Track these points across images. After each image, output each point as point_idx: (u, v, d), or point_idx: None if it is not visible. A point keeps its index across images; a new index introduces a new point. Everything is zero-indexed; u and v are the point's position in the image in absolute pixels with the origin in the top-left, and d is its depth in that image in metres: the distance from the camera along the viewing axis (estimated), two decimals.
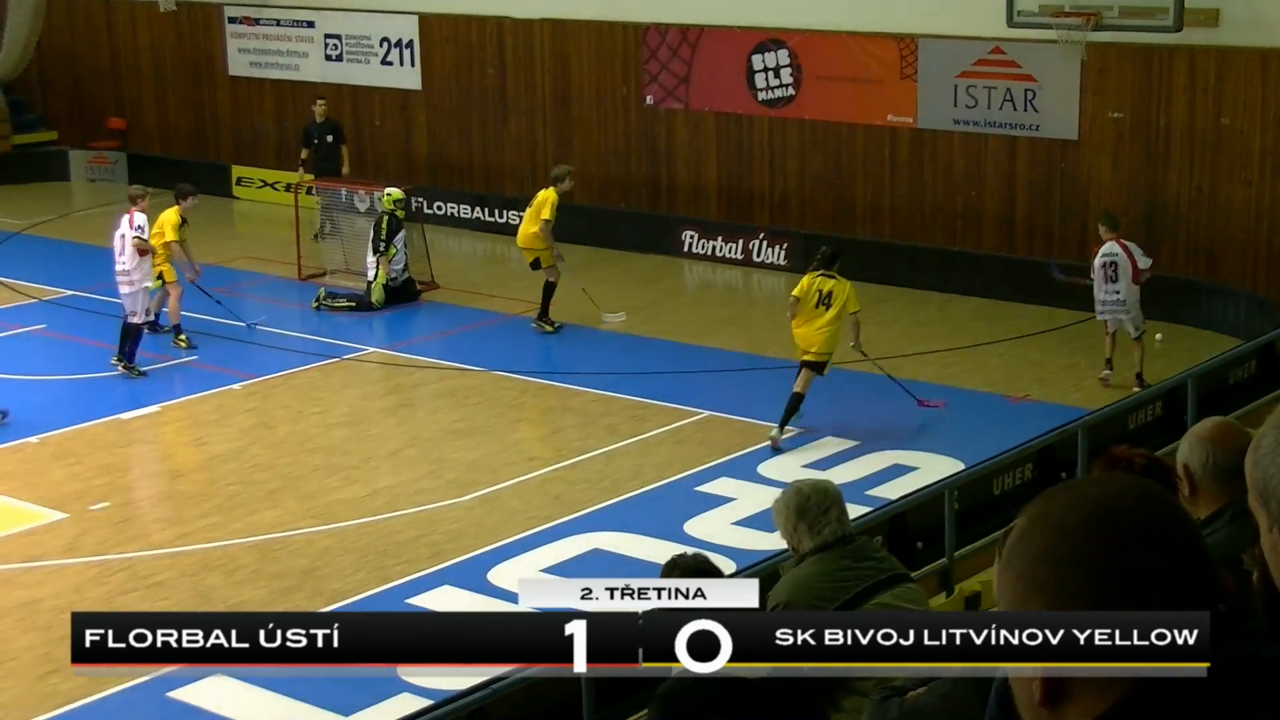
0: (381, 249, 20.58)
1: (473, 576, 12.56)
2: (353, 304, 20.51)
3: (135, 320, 17.55)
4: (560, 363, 18.24)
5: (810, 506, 6.06)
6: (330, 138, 24.37)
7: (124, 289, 17.62)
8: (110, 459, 15.71)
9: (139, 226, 17.58)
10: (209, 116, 28.54)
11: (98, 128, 29.49)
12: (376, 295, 20.49)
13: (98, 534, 13.68)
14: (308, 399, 17.19)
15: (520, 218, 24.57)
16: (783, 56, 22.39)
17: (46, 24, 28.99)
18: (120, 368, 17.57)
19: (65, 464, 15.38)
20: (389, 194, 21.01)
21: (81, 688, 10.93)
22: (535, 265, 19.45)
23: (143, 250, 17.52)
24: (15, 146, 29.73)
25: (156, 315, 18.78)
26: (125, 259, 17.55)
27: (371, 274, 20.66)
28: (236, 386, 17.57)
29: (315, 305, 20.50)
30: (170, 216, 18.49)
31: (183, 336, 18.59)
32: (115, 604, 12.21)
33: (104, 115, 29.48)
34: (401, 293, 20.79)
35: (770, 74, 22.52)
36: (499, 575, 12.58)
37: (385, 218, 20.77)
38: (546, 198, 19.37)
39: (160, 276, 18.40)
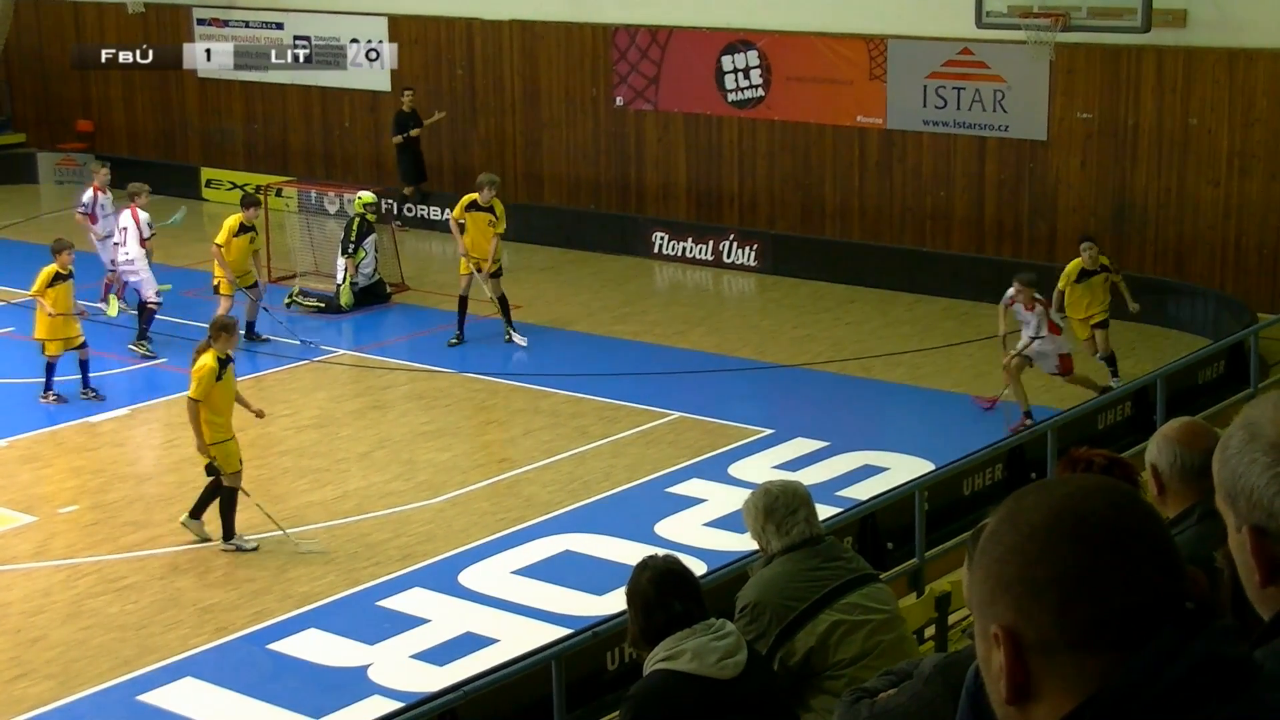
0: (350, 251, 20.60)
1: (444, 578, 12.54)
2: (322, 305, 20.53)
3: (151, 301, 18.48)
4: (531, 365, 18.23)
5: (778, 507, 6.07)
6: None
7: (132, 279, 18.68)
8: (79, 462, 15.64)
9: (149, 224, 18.72)
10: (178, 118, 28.45)
11: (66, 130, 29.36)
12: (345, 298, 20.49)
13: (67, 537, 13.62)
14: (277, 401, 17.13)
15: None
16: (752, 57, 22.42)
17: (14, 25, 28.84)
18: (140, 350, 18.31)
19: (34, 467, 15.32)
20: (360, 197, 21.04)
21: (50, 691, 10.88)
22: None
23: (148, 246, 18.66)
24: None
25: (252, 322, 18.91)
26: (129, 249, 18.56)
27: (340, 277, 20.66)
28: None
29: (288, 302, 20.54)
30: (229, 222, 18.71)
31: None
32: (85, 607, 12.17)
33: (72, 117, 29.36)
34: (371, 295, 20.78)
35: (740, 75, 22.55)
36: (470, 577, 12.57)
37: (356, 220, 20.80)
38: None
39: (216, 288, 18.66)
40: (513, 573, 12.66)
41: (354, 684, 10.96)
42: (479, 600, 12.20)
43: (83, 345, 16.73)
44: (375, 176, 25.03)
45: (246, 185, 26.21)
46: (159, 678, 11.08)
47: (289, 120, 27.21)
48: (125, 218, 18.78)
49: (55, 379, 16.75)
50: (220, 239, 18.50)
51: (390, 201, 23.80)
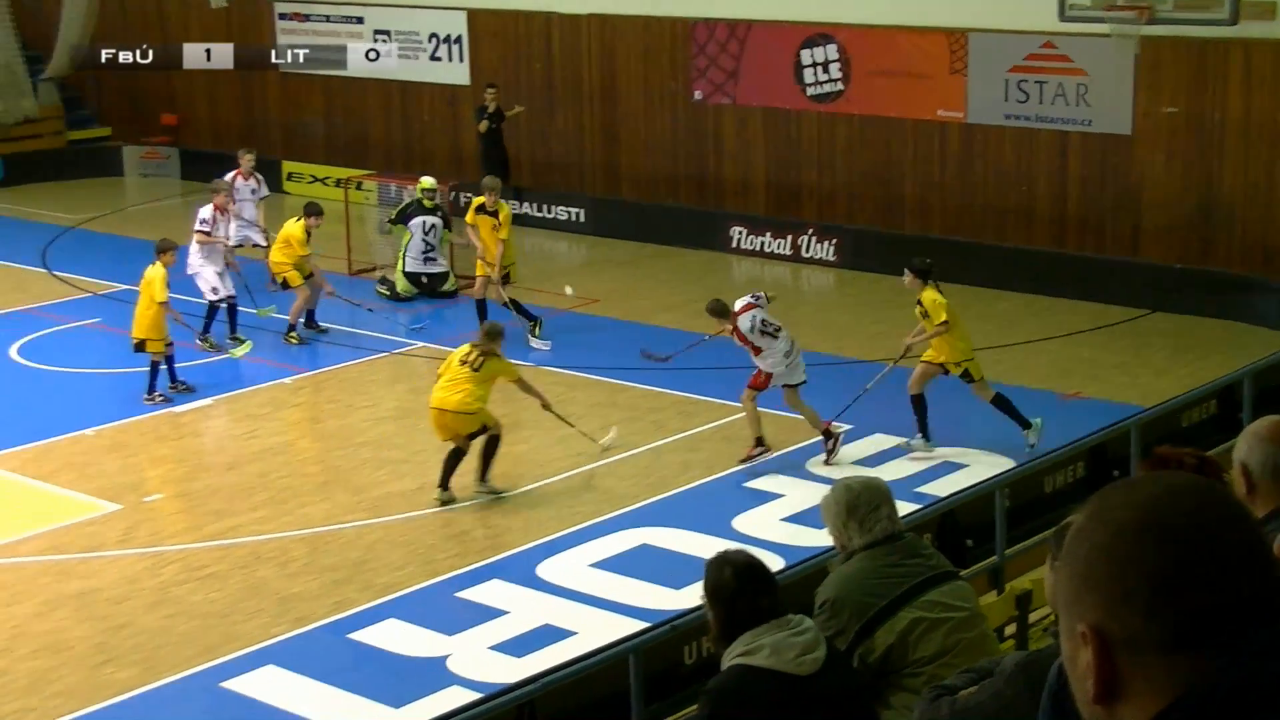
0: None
1: (522, 571, 12.59)
2: (387, 293, 20.79)
3: (210, 299, 18.57)
4: (609, 358, 18.24)
5: (860, 504, 6.05)
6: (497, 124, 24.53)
7: (190, 271, 18.70)
8: (164, 451, 15.83)
9: (202, 220, 18.79)
10: (259, 112, 28.71)
11: (150, 124, 29.70)
12: (400, 284, 20.71)
13: (151, 525, 13.80)
14: (357, 393, 17.27)
15: (566, 213, 24.72)
16: (832, 51, 22.34)
17: (100, 20, 29.20)
18: (204, 346, 18.41)
19: (120, 456, 15.51)
20: (421, 182, 21.18)
21: (136, 677, 11.02)
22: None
23: (201, 241, 18.74)
24: (70, 143, 30.02)
25: (311, 311, 19.30)
26: (192, 245, 18.77)
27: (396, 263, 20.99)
28: (287, 380, 17.66)
29: (377, 289, 20.85)
30: (297, 232, 18.94)
31: (294, 334, 18.95)
32: (169, 595, 12.32)
33: (156, 111, 29.69)
34: (436, 285, 20.80)
35: (819, 69, 22.48)
36: (548, 569, 12.61)
37: (409, 201, 21.07)
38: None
39: (285, 282, 19.02)
40: (591, 565, 12.69)
41: (433, 674, 11.02)
42: (557, 593, 12.24)
43: (170, 342, 16.94)
44: (454, 170, 25.12)
45: (327, 178, 26.47)
46: (241, 665, 11.20)
47: (368, 114, 27.39)
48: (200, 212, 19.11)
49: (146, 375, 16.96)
50: (303, 251, 18.81)
51: (467, 196, 23.88)
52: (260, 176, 21.59)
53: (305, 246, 18.84)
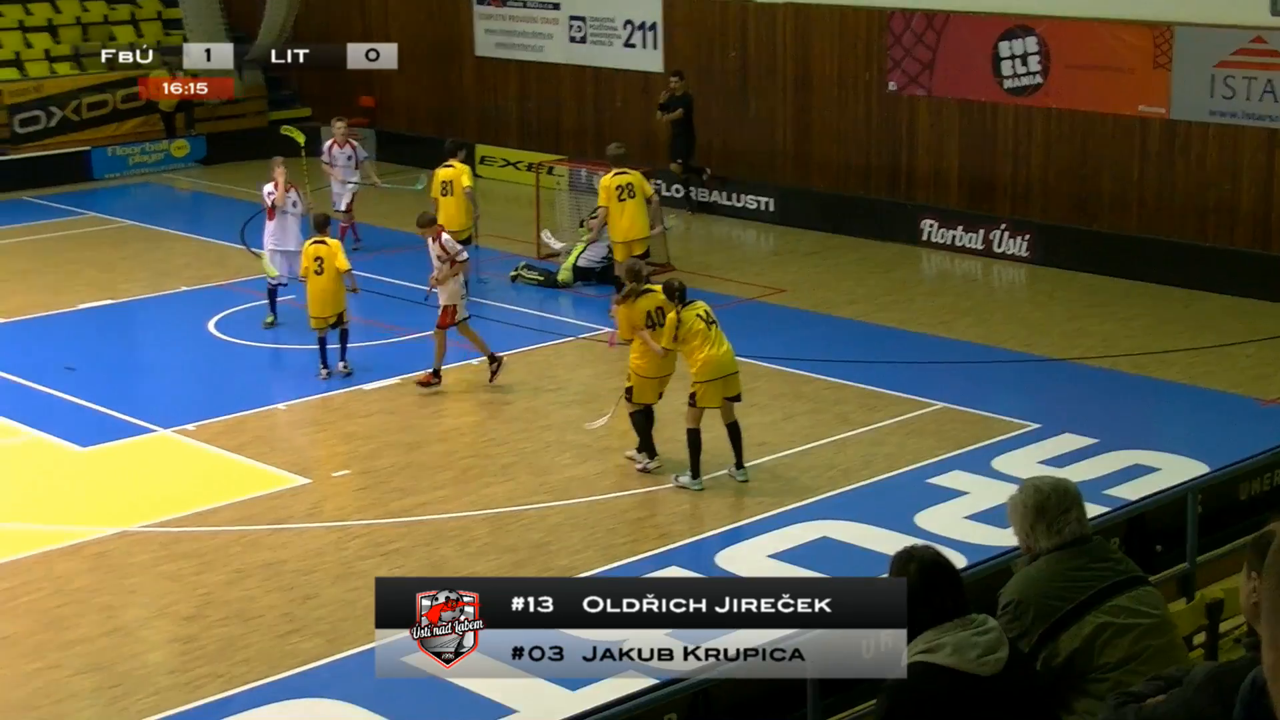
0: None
1: (700, 559, 12.59)
2: (541, 279, 20.82)
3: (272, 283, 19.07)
4: (793, 349, 18.17)
5: (1050, 506, 5.92)
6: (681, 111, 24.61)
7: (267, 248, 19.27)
8: (352, 428, 16.12)
9: (268, 194, 19.16)
10: (455, 96, 29.09)
11: (349, 105, 30.24)
12: (563, 275, 20.78)
13: (338, 500, 14.07)
14: (543, 376, 17.42)
15: (755, 202, 24.62)
16: (1031, 44, 21.97)
17: (304, 2, 29.83)
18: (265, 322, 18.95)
19: (309, 431, 15.84)
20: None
21: (320, 648, 11.25)
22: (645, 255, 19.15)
23: (270, 214, 19.12)
24: (271, 122, 30.70)
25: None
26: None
27: (567, 252, 21.05)
28: (474, 361, 17.87)
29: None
30: (466, 174, 19.98)
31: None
32: (354, 569, 12.55)
33: (355, 93, 30.25)
34: (600, 278, 20.80)
35: (1017, 61, 22.12)
36: (726, 559, 12.60)
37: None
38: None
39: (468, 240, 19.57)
40: (769, 556, 12.64)
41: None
42: None
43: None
44: (645, 156, 25.19)
45: (519, 162, 26.74)
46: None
47: (562, 99, 27.60)
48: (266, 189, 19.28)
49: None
50: (468, 182, 19.72)
51: (657, 182, 23.94)
52: (355, 142, 22.77)
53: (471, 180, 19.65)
